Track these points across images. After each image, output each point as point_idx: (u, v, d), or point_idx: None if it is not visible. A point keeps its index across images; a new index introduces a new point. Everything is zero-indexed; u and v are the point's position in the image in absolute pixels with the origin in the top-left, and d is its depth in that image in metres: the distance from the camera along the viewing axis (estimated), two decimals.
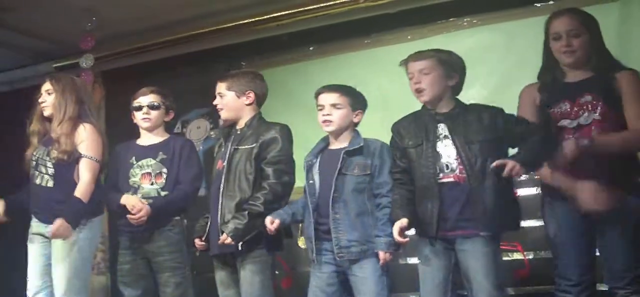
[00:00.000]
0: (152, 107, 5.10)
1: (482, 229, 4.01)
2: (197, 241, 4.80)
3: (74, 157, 4.92)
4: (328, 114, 4.40)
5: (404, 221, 4.09)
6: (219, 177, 4.69)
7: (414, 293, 5.02)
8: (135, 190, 4.98)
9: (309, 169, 4.49)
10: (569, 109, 4.07)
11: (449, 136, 4.15)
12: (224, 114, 4.81)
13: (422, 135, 4.23)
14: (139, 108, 5.11)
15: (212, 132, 4.96)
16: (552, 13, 4.28)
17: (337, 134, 4.44)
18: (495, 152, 4.06)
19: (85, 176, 4.89)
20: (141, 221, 4.82)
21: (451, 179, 4.11)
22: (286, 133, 4.67)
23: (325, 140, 4.53)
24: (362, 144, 4.36)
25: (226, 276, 4.71)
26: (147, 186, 4.99)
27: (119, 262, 5.08)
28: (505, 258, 5.84)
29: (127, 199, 4.91)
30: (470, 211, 4.04)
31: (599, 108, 3.99)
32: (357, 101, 4.47)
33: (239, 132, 4.75)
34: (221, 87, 4.80)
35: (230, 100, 4.76)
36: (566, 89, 4.12)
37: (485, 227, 4.00)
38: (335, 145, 4.46)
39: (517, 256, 5.91)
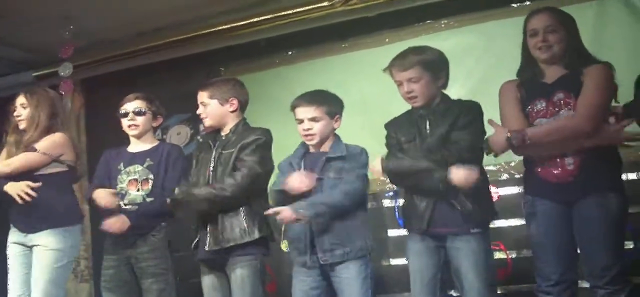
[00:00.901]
0: (137, 113, 5.06)
1: (472, 226, 4.06)
2: None
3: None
4: (309, 129, 4.42)
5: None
6: (207, 182, 4.70)
7: (400, 294, 5.06)
8: (122, 196, 4.97)
9: (288, 173, 4.49)
10: (544, 108, 4.10)
11: (431, 131, 4.20)
12: (207, 122, 4.81)
13: (414, 131, 4.27)
14: (125, 115, 5.08)
15: (199, 137, 4.94)
16: (530, 11, 4.31)
17: (319, 144, 4.47)
18: (470, 150, 4.10)
19: (19, 158, 5.06)
20: (119, 230, 4.86)
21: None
22: (266, 136, 4.69)
23: (306, 146, 4.55)
24: (345, 154, 4.40)
25: (214, 280, 4.71)
26: (133, 192, 4.98)
27: (103, 266, 5.07)
28: None
29: (98, 194, 4.93)
30: (457, 206, 4.09)
31: (572, 104, 4.00)
32: (333, 107, 4.49)
33: (224, 137, 4.77)
34: (203, 96, 4.79)
35: (214, 108, 4.76)
36: (543, 87, 4.14)
37: (474, 223, 4.07)
38: (315, 150, 4.50)
39: (500, 255, 5.93)
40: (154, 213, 4.94)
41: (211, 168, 4.70)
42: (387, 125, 4.46)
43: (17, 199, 4.95)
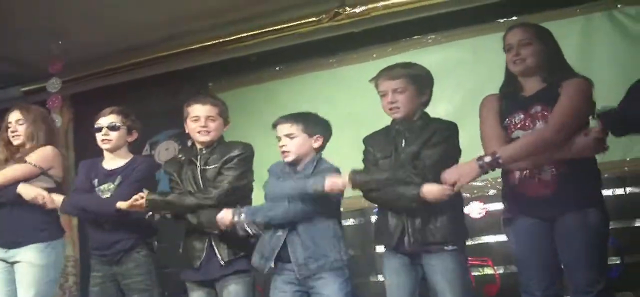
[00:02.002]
0: (111, 128, 4.96)
1: (446, 243, 4.06)
2: None
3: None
4: (284, 145, 4.41)
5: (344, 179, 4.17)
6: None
7: None
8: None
9: (269, 187, 4.51)
10: (522, 120, 4.10)
11: (407, 148, 4.20)
12: (209, 136, 4.71)
13: (391, 147, 4.26)
14: (99, 129, 4.99)
15: (180, 155, 4.89)
16: (507, 28, 4.34)
17: (296, 162, 4.44)
18: (435, 168, 4.07)
19: (13, 169, 5.02)
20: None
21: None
22: (248, 149, 4.68)
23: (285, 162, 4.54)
24: (312, 171, 4.35)
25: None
26: None
27: (90, 284, 5.03)
28: (475, 273, 5.89)
29: (22, 188, 4.97)
30: (430, 224, 4.09)
31: (548, 118, 3.99)
32: (313, 126, 4.44)
33: (205, 152, 4.75)
34: (212, 111, 4.71)
35: (219, 126, 4.73)
36: (521, 100, 4.15)
37: (448, 241, 4.06)
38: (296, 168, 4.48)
39: (488, 270, 5.94)
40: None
41: (194, 185, 4.68)
42: (365, 140, 4.46)
43: (36, 201, 4.94)
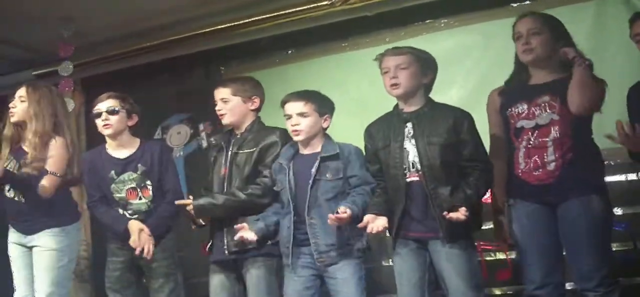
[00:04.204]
0: (110, 112, 4.98)
1: (439, 232, 4.05)
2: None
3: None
4: (296, 124, 4.39)
5: (382, 220, 4.14)
6: (222, 183, 4.71)
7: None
8: (123, 206, 4.97)
9: (280, 173, 4.48)
10: (526, 110, 4.11)
11: (413, 134, 4.18)
12: (227, 119, 4.76)
13: (390, 135, 4.25)
14: (98, 115, 5.00)
15: (212, 139, 4.89)
16: (517, 16, 4.32)
17: (307, 142, 4.44)
18: (455, 155, 4.10)
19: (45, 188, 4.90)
20: (151, 254, 4.85)
21: (416, 178, 4.14)
22: (286, 138, 4.65)
23: (295, 146, 4.53)
24: (337, 151, 4.37)
25: (224, 280, 4.72)
26: (135, 202, 4.97)
27: (109, 269, 5.06)
28: (487, 258, 5.87)
29: (131, 225, 4.90)
30: (433, 212, 4.08)
31: (556, 108, 4.02)
32: (323, 106, 4.46)
33: (239, 136, 4.75)
34: (224, 92, 4.75)
35: (236, 106, 4.74)
36: (526, 90, 4.16)
37: (444, 230, 4.03)
38: (306, 150, 4.47)
39: (500, 255, 5.92)
40: (168, 216, 4.97)
41: (226, 169, 4.71)
42: (365, 130, 4.47)
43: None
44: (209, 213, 4.68)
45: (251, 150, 4.64)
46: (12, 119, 5.10)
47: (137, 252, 4.80)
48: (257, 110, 4.82)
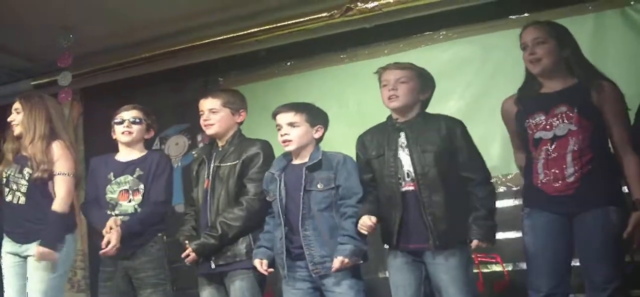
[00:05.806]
0: (134, 122, 5.02)
1: (433, 242, 4.03)
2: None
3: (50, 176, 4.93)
4: (286, 134, 4.38)
5: (372, 218, 4.09)
6: (205, 196, 4.69)
7: None
8: (113, 206, 4.95)
9: (271, 183, 4.45)
10: (544, 121, 4.09)
11: (407, 144, 4.18)
12: (213, 130, 4.73)
13: (384, 144, 4.26)
14: (121, 122, 5.03)
15: (193, 152, 4.90)
16: (523, 26, 4.32)
17: (297, 152, 4.42)
18: (450, 162, 4.10)
19: (61, 191, 4.91)
20: (111, 252, 4.78)
21: (411, 188, 4.13)
22: (267, 149, 4.66)
23: (288, 157, 4.50)
24: (320, 158, 4.33)
25: (214, 293, 4.69)
26: (124, 203, 4.95)
27: (101, 278, 5.03)
28: (484, 270, 5.87)
29: (109, 221, 4.85)
30: (427, 221, 4.07)
31: (574, 118, 4.01)
32: (314, 117, 4.44)
33: (220, 149, 4.74)
34: (214, 103, 4.73)
35: (224, 117, 4.72)
36: (541, 100, 4.14)
37: (437, 240, 4.03)
38: (297, 160, 4.44)
39: (496, 267, 5.92)
40: (143, 220, 4.92)
41: (208, 182, 4.69)
42: (358, 140, 4.47)
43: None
44: (210, 249, 4.61)
45: (234, 162, 4.62)
46: (15, 132, 5.13)
47: (103, 244, 4.77)
48: (241, 123, 4.82)
